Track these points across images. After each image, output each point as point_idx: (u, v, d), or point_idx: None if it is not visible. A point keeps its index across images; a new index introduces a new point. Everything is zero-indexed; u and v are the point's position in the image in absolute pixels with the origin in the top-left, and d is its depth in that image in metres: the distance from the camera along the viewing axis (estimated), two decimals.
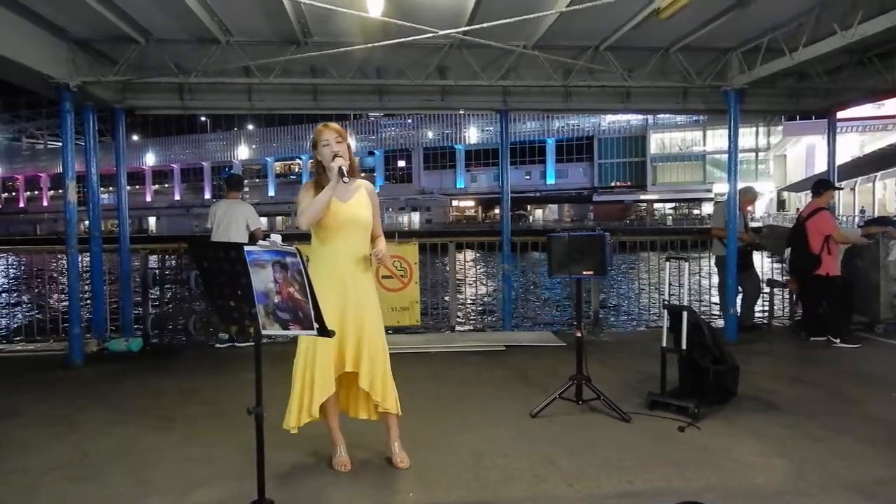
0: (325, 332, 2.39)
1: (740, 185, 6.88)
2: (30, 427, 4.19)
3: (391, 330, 7.12)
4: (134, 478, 3.32)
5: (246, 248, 2.36)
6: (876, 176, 26.18)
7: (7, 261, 9.86)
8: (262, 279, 2.38)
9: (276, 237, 2.41)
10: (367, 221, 3.28)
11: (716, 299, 7.84)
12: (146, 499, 3.08)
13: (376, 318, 3.29)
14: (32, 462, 3.57)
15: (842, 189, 9.33)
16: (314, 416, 3.20)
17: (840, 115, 8.45)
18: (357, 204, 3.24)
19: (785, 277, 7.40)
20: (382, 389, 3.24)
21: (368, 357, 3.21)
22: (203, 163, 63.00)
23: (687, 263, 4.60)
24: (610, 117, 50.88)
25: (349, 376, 3.28)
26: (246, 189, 52.18)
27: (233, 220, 6.51)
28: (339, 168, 3.07)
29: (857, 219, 23.81)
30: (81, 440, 3.92)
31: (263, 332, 2.46)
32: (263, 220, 6.87)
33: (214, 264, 2.48)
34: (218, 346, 6.68)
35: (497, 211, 43.42)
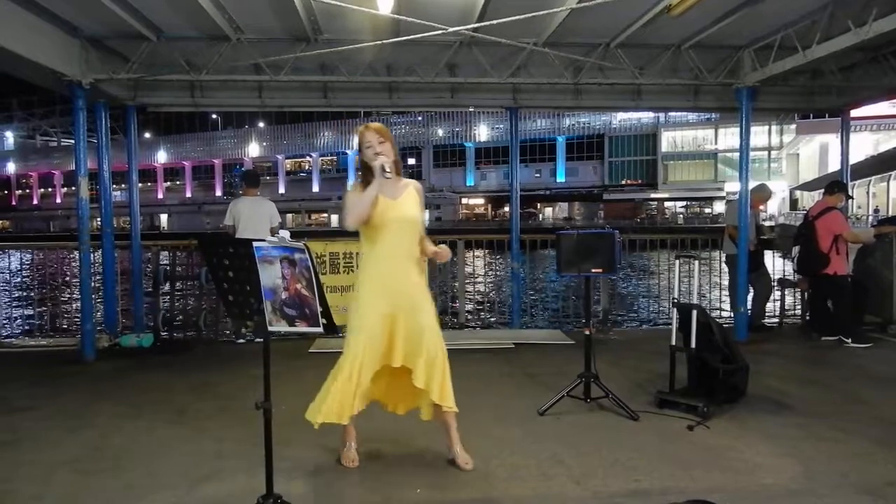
0: (331, 328, 2.39)
1: (754, 184, 6.84)
2: (43, 421, 4.24)
3: None
4: (145, 471, 3.36)
5: (255, 244, 2.37)
6: (890, 175, 25.88)
7: (20, 257, 9.96)
8: (271, 275, 2.39)
9: (285, 233, 2.42)
10: (416, 219, 3.25)
11: (726, 298, 7.80)
12: (157, 492, 3.10)
13: (432, 318, 3.24)
14: (45, 455, 3.61)
15: (853, 199, 9.28)
16: (342, 421, 3.15)
17: (854, 113, 8.36)
18: (406, 202, 3.22)
19: (797, 277, 7.35)
20: (441, 389, 3.19)
21: (427, 357, 3.14)
22: (214, 160, 63.35)
23: (697, 262, 4.57)
24: (621, 115, 50.57)
25: (393, 371, 3.23)
26: None
27: (259, 218, 6.52)
28: (381, 165, 3.08)
29: (870, 218, 23.58)
30: (93, 434, 3.96)
31: (270, 328, 2.47)
32: None
33: (224, 260, 2.50)
34: (240, 341, 6.74)
35: (507, 209, 43.34)
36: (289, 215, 54.35)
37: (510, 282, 7.74)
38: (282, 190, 60.22)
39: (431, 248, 3.31)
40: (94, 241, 6.35)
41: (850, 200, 7.56)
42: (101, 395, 4.82)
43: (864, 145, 33.35)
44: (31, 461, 3.52)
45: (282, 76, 6.29)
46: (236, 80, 6.62)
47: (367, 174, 3.20)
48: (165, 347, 6.65)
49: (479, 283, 12.04)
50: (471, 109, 7.46)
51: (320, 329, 2.38)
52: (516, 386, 4.98)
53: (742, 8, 5.37)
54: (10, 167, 72.00)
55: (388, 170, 3.10)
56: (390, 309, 3.15)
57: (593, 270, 4.20)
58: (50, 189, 69.75)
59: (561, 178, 54.62)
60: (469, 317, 8.28)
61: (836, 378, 5.12)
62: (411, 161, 58.40)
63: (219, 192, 62.05)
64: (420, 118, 56.94)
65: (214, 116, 61.92)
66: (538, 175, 54.41)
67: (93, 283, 6.46)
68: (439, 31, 5.30)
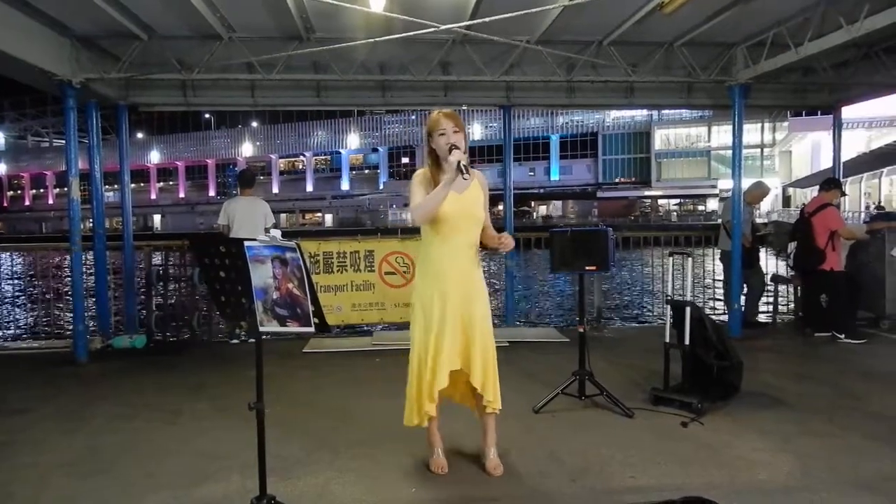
0: (324, 328, 2.38)
1: (747, 181, 6.86)
2: (38, 423, 4.21)
3: (394, 326, 7.14)
4: (141, 472, 3.34)
5: (246, 243, 2.35)
6: (882, 172, 26.04)
7: (12, 259, 9.90)
8: (262, 275, 2.37)
9: (276, 232, 2.40)
10: (480, 215, 3.14)
11: (720, 295, 7.81)
12: (154, 493, 3.09)
13: (486, 315, 3.17)
14: (42, 457, 3.59)
15: (847, 196, 9.34)
16: (430, 414, 3.10)
17: (845, 112, 8.38)
18: (471, 197, 3.11)
19: (790, 273, 7.38)
20: (493, 389, 3.14)
21: (481, 355, 3.09)
22: (208, 160, 63.14)
23: (690, 259, 4.58)
24: (614, 113, 50.68)
25: (455, 371, 3.15)
26: None
27: (254, 218, 6.50)
28: (459, 163, 2.86)
29: (862, 215, 23.72)
30: (89, 436, 3.94)
31: (261, 328, 2.45)
32: None
33: (215, 260, 2.48)
34: (234, 341, 6.72)
35: (500, 207, 43.29)
36: (282, 215, 54.18)
37: (505, 279, 7.74)
38: (275, 189, 60.05)
39: (496, 238, 3.13)
40: (85, 242, 6.30)
41: (844, 197, 7.59)
42: (96, 397, 4.80)
43: (856, 142, 33.51)
44: (27, 464, 3.50)
45: (274, 75, 6.27)
46: (228, 78, 6.59)
47: (431, 163, 3.09)
48: (159, 348, 6.62)
49: None
50: (464, 108, 7.44)
51: (312, 329, 2.36)
52: (511, 384, 4.93)
53: (734, 5, 5.38)
54: (2, 168, 71.50)
55: (466, 171, 2.86)
56: (442, 301, 3.06)
57: (587, 268, 4.20)
58: (42, 190, 69.33)
59: (555, 177, 54.70)
60: None
61: (831, 373, 5.14)
62: (405, 160, 58.36)
63: (212, 193, 61.84)
64: (413, 117, 56.84)
65: (207, 116, 61.72)
66: (532, 173, 54.45)
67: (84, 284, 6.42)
68: (432, 29, 5.29)
